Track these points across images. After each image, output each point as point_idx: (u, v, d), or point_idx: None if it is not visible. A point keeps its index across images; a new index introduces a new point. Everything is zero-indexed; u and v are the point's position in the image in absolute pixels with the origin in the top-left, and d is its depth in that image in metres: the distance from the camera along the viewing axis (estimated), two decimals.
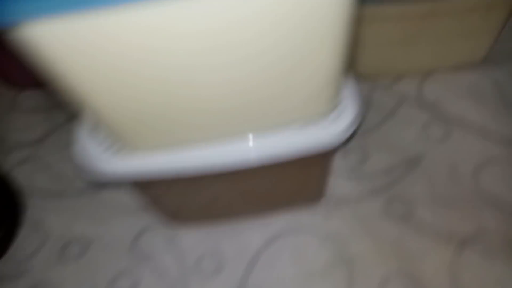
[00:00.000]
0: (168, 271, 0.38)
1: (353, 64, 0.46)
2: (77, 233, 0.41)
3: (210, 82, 0.24)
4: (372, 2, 0.39)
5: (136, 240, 0.40)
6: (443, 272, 0.36)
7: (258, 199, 0.38)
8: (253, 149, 0.29)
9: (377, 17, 0.41)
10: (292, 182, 0.36)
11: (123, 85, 0.23)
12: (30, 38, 0.19)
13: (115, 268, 0.39)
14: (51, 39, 0.19)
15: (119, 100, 0.24)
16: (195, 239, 0.40)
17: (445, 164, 0.42)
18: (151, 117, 0.26)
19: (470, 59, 0.48)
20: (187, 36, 0.20)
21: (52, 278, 0.39)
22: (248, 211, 0.40)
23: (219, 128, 0.28)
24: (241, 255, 0.39)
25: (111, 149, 0.29)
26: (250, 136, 0.29)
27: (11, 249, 0.40)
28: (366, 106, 0.45)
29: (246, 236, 0.39)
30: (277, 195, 0.38)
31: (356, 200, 0.40)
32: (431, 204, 0.40)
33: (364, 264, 0.37)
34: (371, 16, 0.41)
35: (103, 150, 0.29)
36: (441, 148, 0.42)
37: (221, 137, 0.29)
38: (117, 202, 0.43)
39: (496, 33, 0.45)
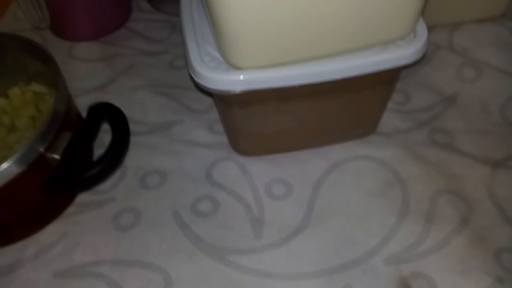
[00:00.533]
0: (243, 195, 0.43)
1: None
2: (154, 166, 0.45)
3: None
4: None
5: (210, 169, 0.44)
6: (482, 188, 0.42)
7: (322, 129, 0.43)
8: (344, 62, 0.34)
9: None
10: (355, 111, 0.42)
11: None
12: None
13: (194, 194, 0.43)
14: None
15: (253, 16, 0.29)
16: (263, 168, 0.44)
17: (478, 101, 0.48)
18: (269, 32, 0.31)
19: (491, 13, 0.54)
20: None
21: (136, 204, 0.42)
22: (311, 142, 0.45)
23: (318, 47, 0.33)
24: (307, 180, 0.43)
25: (218, 68, 0.34)
26: (341, 55, 0.34)
27: None
28: None
29: (309, 164, 0.44)
30: (339, 124, 0.43)
31: (403, 132, 0.46)
32: (467, 134, 0.46)
33: (416, 184, 0.43)
34: None
35: (213, 68, 0.34)
36: (473, 87, 0.49)
37: (316, 57, 0.34)
38: (187, 138, 0.47)
39: None
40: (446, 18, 0.53)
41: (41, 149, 0.36)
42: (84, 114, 0.47)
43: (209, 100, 0.50)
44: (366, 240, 0.40)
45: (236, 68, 0.34)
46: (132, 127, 0.47)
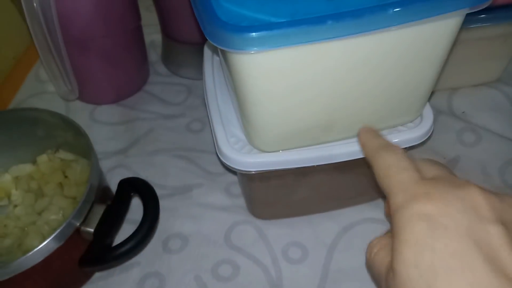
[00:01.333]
0: (261, 258, 0.45)
1: None
2: (176, 229, 0.47)
3: (348, 99, 0.32)
4: None
5: (229, 233, 0.47)
6: None
7: (334, 196, 0.46)
8: (357, 145, 0.37)
9: None
10: (365, 182, 0.45)
11: (290, 104, 0.31)
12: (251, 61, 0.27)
13: (215, 257, 0.45)
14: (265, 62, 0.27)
15: (279, 116, 0.32)
16: (280, 231, 0.47)
17: (478, 164, 0.51)
18: (292, 127, 0.34)
19: (487, 79, 0.58)
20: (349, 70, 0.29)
21: (160, 268, 0.45)
22: (324, 207, 0.48)
23: (334, 136, 0.36)
24: (321, 243, 0.46)
25: (243, 150, 0.37)
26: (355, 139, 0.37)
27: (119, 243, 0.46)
28: None
29: (322, 227, 0.47)
30: (350, 192, 0.46)
31: None
32: None
33: None
34: None
35: (237, 150, 0.37)
36: (473, 151, 0.52)
37: (332, 141, 0.37)
38: (206, 201, 0.49)
39: (510, 57, 0.55)
40: (445, 84, 0.57)
41: (77, 224, 0.38)
42: (107, 179, 0.50)
43: None
44: None
45: (260, 150, 0.37)
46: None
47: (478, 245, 0.21)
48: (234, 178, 0.51)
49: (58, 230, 0.37)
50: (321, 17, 0.25)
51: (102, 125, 0.57)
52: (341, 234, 0.47)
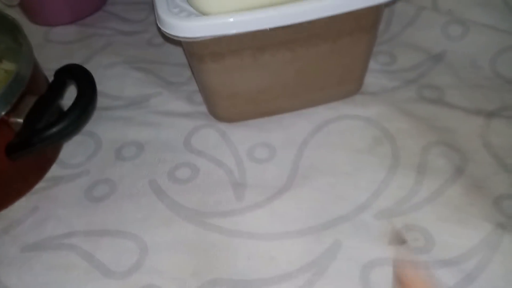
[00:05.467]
0: (224, 160, 0.40)
1: None
2: (131, 137, 0.43)
3: None
4: None
5: (189, 138, 0.42)
6: (476, 138, 0.40)
7: (302, 85, 0.41)
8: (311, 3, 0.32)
9: None
10: (335, 64, 0.40)
11: None
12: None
13: (172, 162, 0.41)
14: None
15: None
16: (245, 133, 0.42)
17: (466, 57, 0.46)
18: None
19: None
20: None
21: (111, 175, 0.40)
22: (292, 104, 0.43)
23: None
24: (291, 142, 0.41)
25: (185, 16, 0.33)
26: None
27: (67, 153, 0.42)
28: (389, 15, 0.50)
29: (293, 127, 0.42)
30: (320, 80, 0.41)
31: (390, 91, 0.44)
32: (457, 89, 0.44)
33: (405, 138, 0.40)
34: None
35: (181, 17, 0.33)
36: (460, 44, 0.47)
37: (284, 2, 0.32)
38: (164, 109, 0.45)
39: None
40: None
41: (3, 113, 0.34)
42: None
43: (188, 73, 0.48)
44: (355, 196, 0.37)
45: (204, 12, 0.32)
46: (108, 102, 0.46)
47: None
48: (197, 87, 0.47)
49: None
50: None
51: (56, 44, 0.52)
52: (314, 132, 0.42)
